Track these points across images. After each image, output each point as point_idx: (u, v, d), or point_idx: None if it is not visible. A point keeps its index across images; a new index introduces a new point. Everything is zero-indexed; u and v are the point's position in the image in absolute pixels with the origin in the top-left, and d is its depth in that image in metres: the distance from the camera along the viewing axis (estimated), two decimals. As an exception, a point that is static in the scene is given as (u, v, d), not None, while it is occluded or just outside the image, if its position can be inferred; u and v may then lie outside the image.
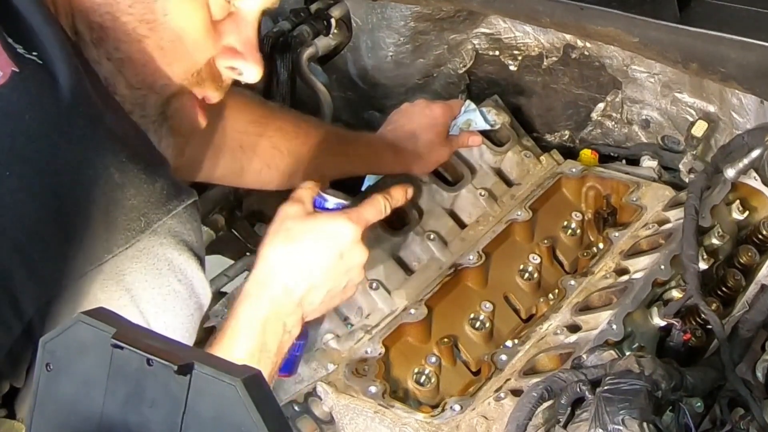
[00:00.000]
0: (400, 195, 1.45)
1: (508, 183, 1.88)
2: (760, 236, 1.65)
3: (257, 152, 1.62)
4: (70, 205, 1.05)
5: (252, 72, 1.23)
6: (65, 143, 1.05)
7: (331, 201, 1.36)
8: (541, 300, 1.66)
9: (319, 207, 1.36)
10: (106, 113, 1.10)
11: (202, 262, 1.16)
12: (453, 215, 1.79)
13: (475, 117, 1.85)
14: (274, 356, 1.29)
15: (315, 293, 1.33)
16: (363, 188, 1.84)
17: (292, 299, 1.31)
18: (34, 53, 1.05)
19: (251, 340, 1.27)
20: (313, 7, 2.04)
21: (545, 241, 1.74)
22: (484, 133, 1.89)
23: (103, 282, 1.07)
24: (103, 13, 1.13)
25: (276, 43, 1.98)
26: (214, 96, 1.25)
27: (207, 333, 1.55)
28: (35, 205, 1.03)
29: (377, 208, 1.39)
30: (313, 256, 1.31)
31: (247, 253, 1.84)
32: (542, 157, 1.93)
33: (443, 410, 1.42)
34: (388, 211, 1.41)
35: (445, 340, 1.56)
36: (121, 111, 1.15)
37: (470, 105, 1.85)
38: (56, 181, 1.04)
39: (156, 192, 1.10)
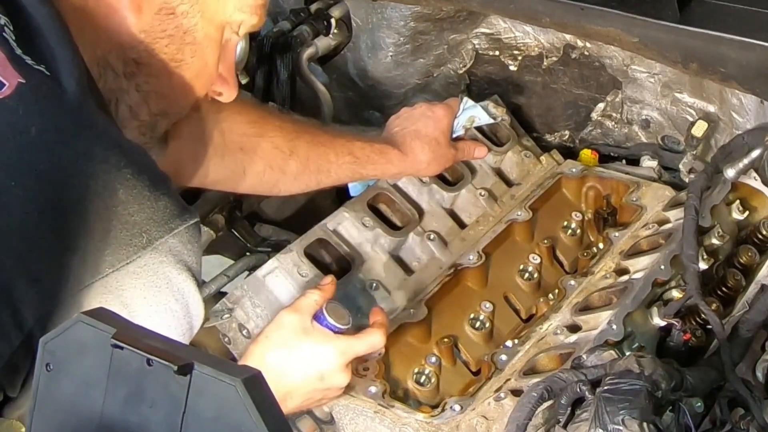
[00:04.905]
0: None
1: (508, 183, 1.88)
2: (760, 236, 1.65)
3: (258, 153, 1.62)
4: (73, 218, 1.05)
5: (232, 95, 1.36)
6: (70, 156, 1.05)
7: (329, 321, 1.41)
8: (541, 300, 1.66)
9: (317, 321, 1.42)
10: (111, 128, 1.13)
11: (199, 285, 1.17)
12: (453, 215, 1.79)
13: (476, 112, 1.84)
14: None
15: (289, 401, 1.39)
16: (351, 195, 1.80)
17: None
18: (42, 65, 1.06)
19: None
20: (313, 7, 2.03)
21: (545, 241, 1.74)
22: (484, 133, 1.89)
23: (102, 296, 1.07)
24: (141, 50, 1.22)
25: (276, 43, 1.98)
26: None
27: (207, 333, 1.55)
28: (38, 216, 1.03)
29: (371, 342, 1.43)
30: (296, 371, 1.38)
31: (247, 253, 1.83)
32: (542, 157, 1.93)
33: (443, 410, 1.42)
34: (382, 347, 1.46)
35: (445, 340, 1.56)
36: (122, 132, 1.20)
37: (468, 102, 1.85)
38: (59, 192, 1.05)
39: (159, 210, 1.11)
